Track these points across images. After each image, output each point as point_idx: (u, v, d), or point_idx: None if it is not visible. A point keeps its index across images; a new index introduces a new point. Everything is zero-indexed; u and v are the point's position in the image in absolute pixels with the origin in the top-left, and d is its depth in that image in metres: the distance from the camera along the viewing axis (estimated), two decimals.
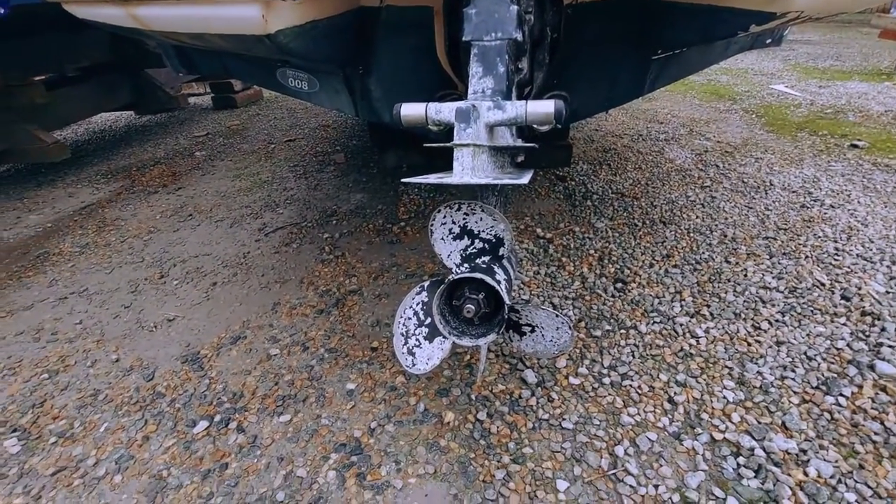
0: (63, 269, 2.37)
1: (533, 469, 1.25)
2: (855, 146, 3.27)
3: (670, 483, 1.19)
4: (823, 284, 1.86)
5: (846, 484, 1.15)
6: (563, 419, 1.38)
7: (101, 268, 2.37)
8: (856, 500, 1.12)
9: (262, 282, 2.15)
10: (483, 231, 1.20)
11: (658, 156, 3.32)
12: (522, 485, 1.21)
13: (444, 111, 1.11)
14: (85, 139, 4.79)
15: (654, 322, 1.72)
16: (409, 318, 1.27)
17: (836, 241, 2.16)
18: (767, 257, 2.07)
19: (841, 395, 1.38)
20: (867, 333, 1.60)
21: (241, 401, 1.53)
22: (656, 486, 1.18)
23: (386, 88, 1.88)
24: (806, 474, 1.18)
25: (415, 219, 2.62)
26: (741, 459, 1.23)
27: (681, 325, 1.70)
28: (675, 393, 1.43)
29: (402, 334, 1.27)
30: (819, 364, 1.50)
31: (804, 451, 1.24)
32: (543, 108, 1.07)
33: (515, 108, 1.07)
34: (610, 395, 1.44)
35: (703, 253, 2.13)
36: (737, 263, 2.04)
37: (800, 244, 2.15)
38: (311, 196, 3.02)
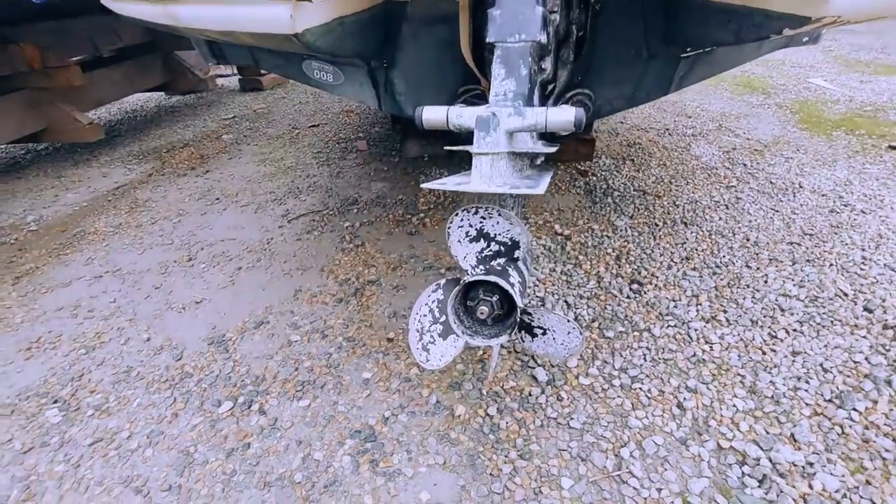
0: (98, 248, 2.49)
1: (539, 466, 1.29)
2: (893, 148, 3.14)
3: (674, 487, 1.22)
4: (846, 294, 1.83)
5: (851, 499, 1.16)
6: (572, 418, 1.41)
7: (133, 248, 2.48)
8: None
9: (284, 268, 2.22)
10: (499, 234, 1.22)
11: (684, 152, 3.25)
12: (528, 480, 1.26)
13: (464, 116, 1.12)
14: (118, 118, 4.94)
15: (669, 325, 1.73)
16: (425, 315, 1.31)
17: (863, 250, 2.10)
18: (790, 263, 2.03)
19: (854, 409, 1.38)
20: (887, 348, 1.58)
21: (263, 384, 1.61)
22: (659, 490, 1.21)
23: (409, 82, 1.90)
24: (811, 487, 1.19)
25: (434, 210, 2.64)
26: (746, 469, 1.25)
27: (695, 329, 1.70)
28: (684, 398, 1.45)
29: (418, 330, 1.31)
30: (834, 377, 1.49)
31: (811, 464, 1.24)
32: (564, 115, 1.07)
33: (535, 116, 1.08)
34: (619, 397, 1.47)
35: (724, 256, 2.10)
36: (757, 269, 2.01)
37: (825, 251, 2.11)
38: (333, 184, 3.07)
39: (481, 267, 1.23)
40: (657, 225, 2.38)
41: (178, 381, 1.64)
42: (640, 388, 1.49)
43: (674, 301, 1.85)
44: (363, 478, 1.29)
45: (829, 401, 1.41)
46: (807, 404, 1.41)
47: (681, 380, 1.51)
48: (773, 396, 1.44)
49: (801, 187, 2.69)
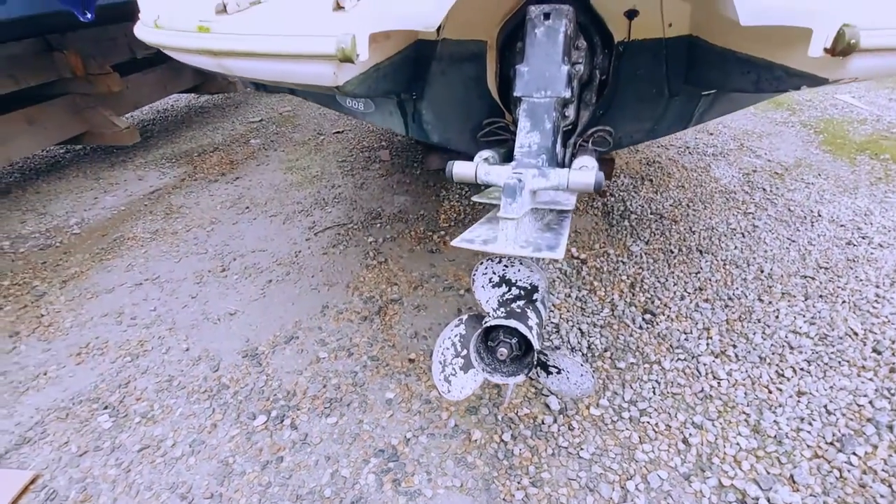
0: (137, 255, 2.64)
1: (549, 493, 1.39)
2: None
3: None
4: (856, 334, 1.88)
5: None
6: (581, 448, 1.50)
7: (170, 256, 2.63)
8: None
9: (311, 283, 2.34)
10: (520, 280, 1.31)
11: (703, 173, 3.28)
12: None
13: (492, 174, 1.21)
14: (150, 118, 5.12)
15: (679, 359, 1.80)
16: (448, 349, 1.41)
17: (878, 287, 2.13)
18: (802, 298, 2.08)
19: (854, 453, 1.44)
20: (893, 392, 1.63)
21: (294, 399, 1.73)
22: None
23: (437, 113, 1.99)
24: None
25: (455, 227, 2.73)
26: None
27: (704, 364, 1.77)
28: (690, 434, 1.53)
29: (441, 362, 1.41)
30: (837, 419, 1.55)
31: None
32: (584, 178, 1.15)
33: (558, 177, 1.16)
34: (627, 429, 1.55)
35: (737, 288, 2.16)
36: (770, 303, 2.06)
37: (838, 286, 2.14)
38: (357, 195, 3.18)
39: (502, 309, 1.32)
40: (672, 252, 2.44)
41: (215, 393, 1.77)
42: (648, 422, 1.57)
43: (685, 333, 1.92)
44: (386, 496, 1.40)
45: (831, 443, 1.48)
46: (808, 446, 1.48)
47: (687, 415, 1.59)
48: (776, 436, 1.51)
49: (819, 216, 2.71)
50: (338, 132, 4.37)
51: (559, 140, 1.53)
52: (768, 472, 1.41)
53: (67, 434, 1.64)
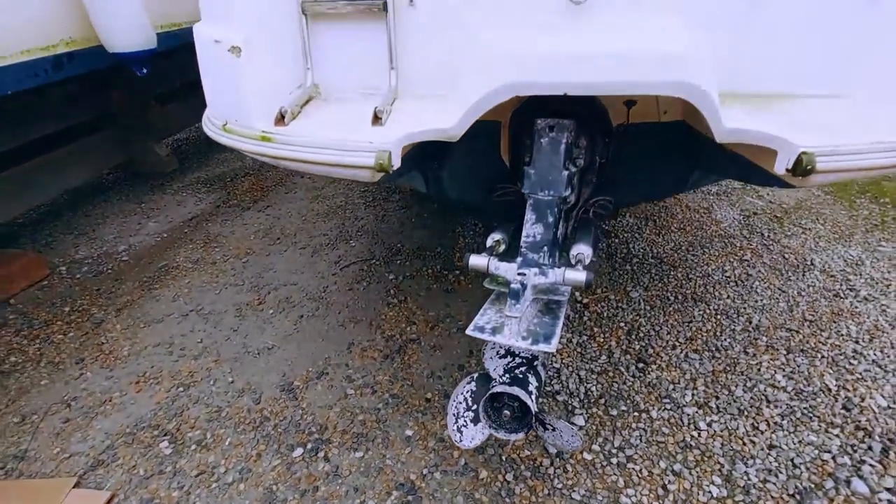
0: (182, 285, 2.94)
1: None
2: None
3: None
4: (830, 390, 2.07)
5: None
6: (574, 490, 1.74)
7: (211, 287, 2.92)
8: None
9: (338, 319, 2.61)
10: (523, 351, 1.55)
11: (705, 215, 3.46)
12: None
13: (501, 269, 1.45)
14: (183, 137, 5.44)
15: (665, 409, 2.02)
16: (460, 403, 1.66)
17: (857, 342, 2.32)
18: (784, 352, 2.28)
19: None
20: (855, 448, 1.83)
21: (326, 433, 2.00)
22: None
23: (454, 178, 2.23)
24: None
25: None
26: None
27: (688, 415, 1.99)
28: (669, 481, 1.75)
29: (454, 414, 1.66)
30: (801, 472, 1.76)
31: None
32: (577, 277, 1.39)
33: (555, 275, 1.40)
34: (615, 474, 1.78)
35: (725, 339, 2.36)
36: (754, 355, 2.27)
37: (820, 341, 2.33)
38: (378, 228, 3.44)
39: (507, 376, 1.56)
40: (669, 299, 2.65)
41: (259, 424, 2.05)
42: (633, 468, 1.80)
43: (673, 384, 2.13)
44: None
45: (792, 495, 1.69)
46: (772, 497, 1.69)
47: (668, 463, 1.82)
48: (744, 486, 1.73)
49: (812, 265, 2.88)
50: None
51: (562, 219, 1.76)
52: None
53: (135, 458, 1.93)
